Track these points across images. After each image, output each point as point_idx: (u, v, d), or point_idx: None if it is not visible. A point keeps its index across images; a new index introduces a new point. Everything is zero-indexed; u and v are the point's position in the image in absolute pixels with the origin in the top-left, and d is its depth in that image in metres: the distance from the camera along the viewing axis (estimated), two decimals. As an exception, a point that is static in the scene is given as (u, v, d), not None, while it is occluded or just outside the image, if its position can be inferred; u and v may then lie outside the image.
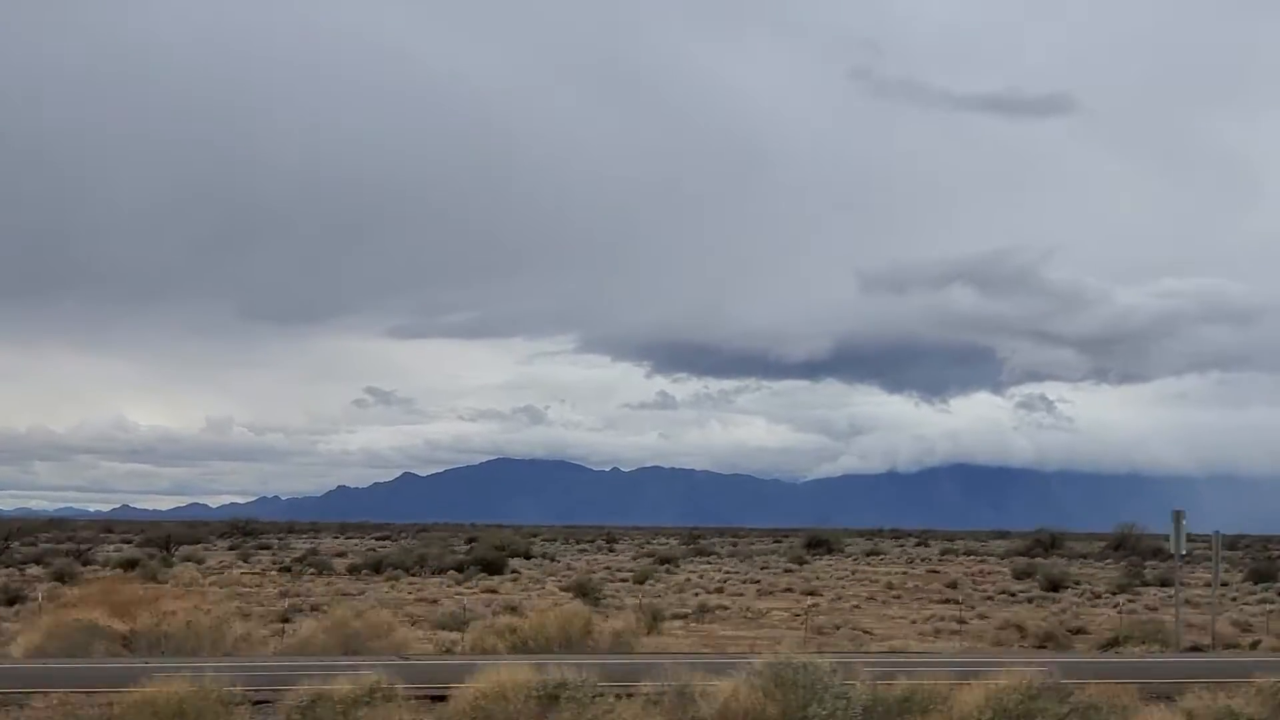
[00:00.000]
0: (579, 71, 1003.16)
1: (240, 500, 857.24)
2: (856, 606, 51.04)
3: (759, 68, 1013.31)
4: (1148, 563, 77.37)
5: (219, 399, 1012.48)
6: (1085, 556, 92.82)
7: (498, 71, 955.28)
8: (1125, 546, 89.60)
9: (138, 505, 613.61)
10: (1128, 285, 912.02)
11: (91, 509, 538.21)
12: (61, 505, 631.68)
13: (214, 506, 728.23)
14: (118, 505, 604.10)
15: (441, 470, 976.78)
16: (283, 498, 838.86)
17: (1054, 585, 59.26)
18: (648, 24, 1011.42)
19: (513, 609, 40.80)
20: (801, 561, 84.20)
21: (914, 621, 44.42)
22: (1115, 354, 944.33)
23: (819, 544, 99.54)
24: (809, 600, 52.16)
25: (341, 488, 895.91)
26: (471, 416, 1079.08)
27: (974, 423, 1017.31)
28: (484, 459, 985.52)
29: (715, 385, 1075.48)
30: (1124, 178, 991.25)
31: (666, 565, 75.48)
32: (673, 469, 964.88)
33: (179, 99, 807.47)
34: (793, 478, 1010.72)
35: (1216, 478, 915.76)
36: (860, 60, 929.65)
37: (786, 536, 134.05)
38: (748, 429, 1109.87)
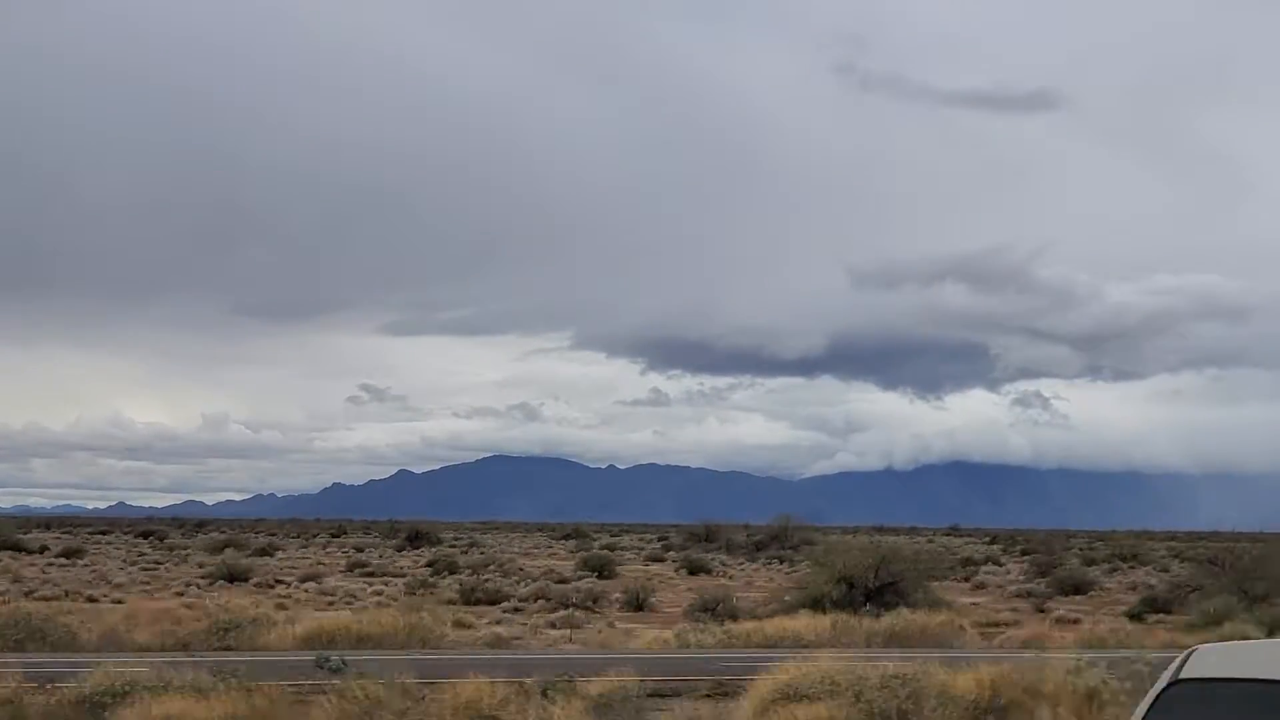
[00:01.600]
0: (571, 67, 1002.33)
1: (237, 498, 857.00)
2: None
3: (750, 64, 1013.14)
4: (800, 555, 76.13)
5: (215, 396, 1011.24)
6: (739, 549, 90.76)
7: (491, 68, 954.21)
8: (781, 539, 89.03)
9: (134, 503, 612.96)
10: (1120, 282, 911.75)
11: (89, 506, 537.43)
12: (60, 503, 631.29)
13: (210, 504, 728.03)
14: (115, 503, 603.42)
15: (437, 468, 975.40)
16: (279, 495, 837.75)
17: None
18: (642, 21, 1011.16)
19: None
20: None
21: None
22: (1109, 351, 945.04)
23: (418, 537, 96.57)
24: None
25: (337, 485, 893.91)
26: (467, 414, 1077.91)
27: (970, 420, 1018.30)
28: (480, 456, 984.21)
29: (709, 382, 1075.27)
30: (1115, 174, 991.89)
31: None
32: (669, 466, 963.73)
33: (174, 96, 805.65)
34: (789, 475, 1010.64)
35: (1213, 475, 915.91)
36: (848, 56, 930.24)
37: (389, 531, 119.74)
38: (744, 426, 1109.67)
